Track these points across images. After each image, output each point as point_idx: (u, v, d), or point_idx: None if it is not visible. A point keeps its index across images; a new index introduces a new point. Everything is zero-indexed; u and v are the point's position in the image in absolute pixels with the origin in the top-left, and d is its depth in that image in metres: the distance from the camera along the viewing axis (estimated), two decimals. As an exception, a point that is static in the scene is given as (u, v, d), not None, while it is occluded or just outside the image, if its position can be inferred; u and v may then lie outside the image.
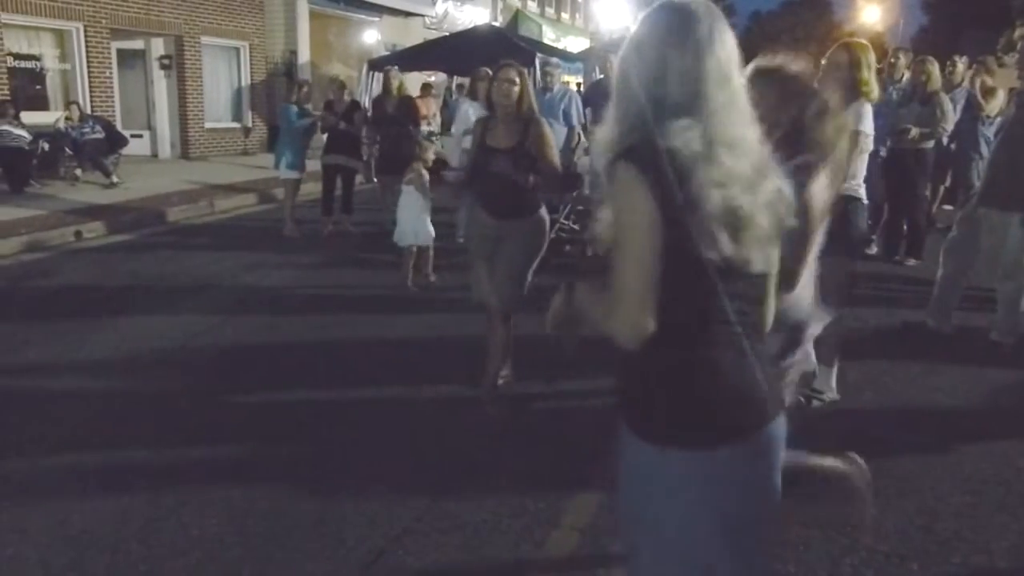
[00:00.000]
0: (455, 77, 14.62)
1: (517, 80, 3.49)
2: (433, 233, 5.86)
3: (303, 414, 3.66)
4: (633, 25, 1.38)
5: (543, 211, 3.68)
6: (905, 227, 6.87)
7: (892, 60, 7.27)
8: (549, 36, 21.10)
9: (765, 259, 1.35)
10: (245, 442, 3.37)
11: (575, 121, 7.37)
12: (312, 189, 8.83)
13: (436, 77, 15.24)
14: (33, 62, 11.08)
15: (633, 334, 1.30)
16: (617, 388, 1.46)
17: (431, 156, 5.96)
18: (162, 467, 3.11)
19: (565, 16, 28.76)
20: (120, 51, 12.28)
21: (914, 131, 6.28)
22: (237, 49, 14.23)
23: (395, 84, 7.82)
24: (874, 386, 4.07)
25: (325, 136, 7.91)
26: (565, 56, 12.45)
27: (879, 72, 7.47)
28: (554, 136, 7.34)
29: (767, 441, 1.39)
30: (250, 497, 2.88)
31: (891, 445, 3.38)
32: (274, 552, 2.57)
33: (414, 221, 5.72)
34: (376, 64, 11.38)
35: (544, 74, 7.91)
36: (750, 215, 1.29)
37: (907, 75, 6.98)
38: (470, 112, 7.55)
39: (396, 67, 8.53)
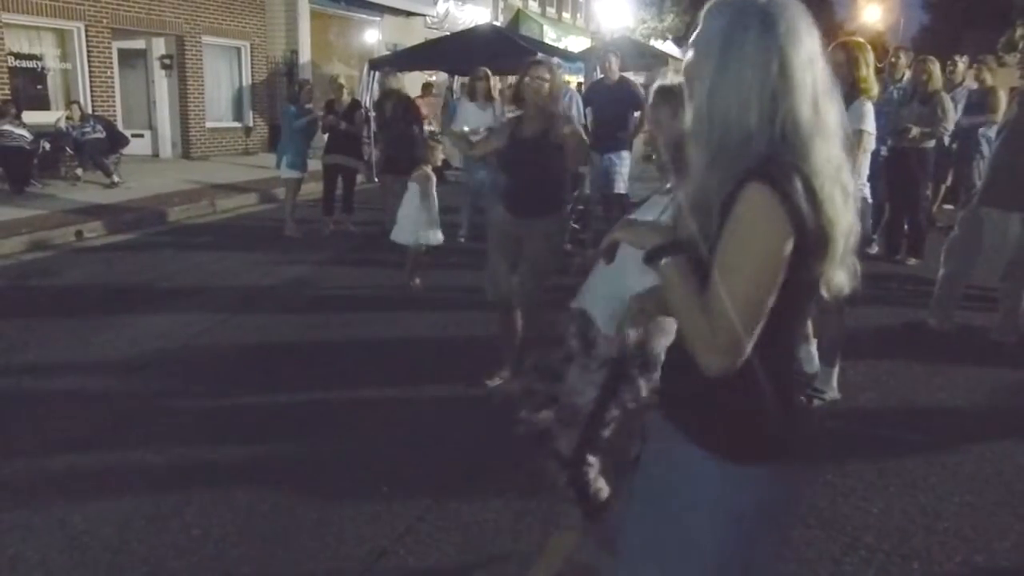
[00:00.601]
0: (456, 77, 14.63)
1: (548, 77, 3.58)
2: (440, 238, 5.83)
3: (305, 414, 3.66)
4: (712, 21, 1.24)
5: (565, 210, 3.77)
6: (906, 226, 6.87)
7: (893, 59, 7.26)
8: (550, 36, 21.10)
9: (850, 276, 1.27)
10: (247, 442, 3.36)
11: (576, 121, 7.36)
12: (313, 189, 8.83)
13: (437, 77, 15.25)
14: (34, 62, 11.08)
15: (726, 365, 1.18)
16: (671, 390, 1.39)
17: (440, 157, 5.95)
18: (163, 467, 3.11)
19: (566, 16, 28.75)
20: (121, 51, 12.28)
21: (915, 130, 6.28)
22: (238, 49, 14.23)
23: (389, 85, 7.84)
24: (875, 385, 4.07)
25: (326, 136, 7.92)
26: (566, 56, 12.44)
27: (880, 72, 7.50)
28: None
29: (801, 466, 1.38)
30: (252, 497, 2.88)
31: (893, 444, 3.38)
32: (276, 551, 2.57)
33: (416, 221, 5.68)
34: (377, 64, 11.40)
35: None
36: (853, 233, 1.24)
37: (908, 74, 6.98)
38: (469, 112, 7.57)
39: (389, 68, 8.56)
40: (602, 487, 2.27)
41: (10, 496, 2.86)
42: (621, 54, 7.45)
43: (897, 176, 6.48)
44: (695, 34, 1.28)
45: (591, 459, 2.22)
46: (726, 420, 1.29)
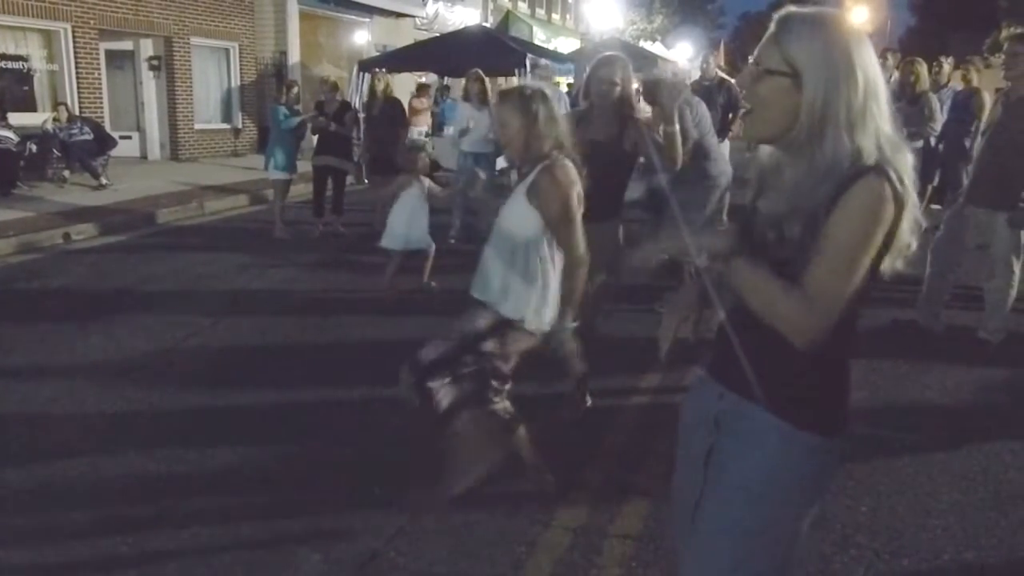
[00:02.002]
0: (445, 78, 14.64)
1: (618, 81, 3.35)
2: (420, 242, 5.83)
3: (295, 416, 3.64)
4: (805, 36, 1.31)
5: (621, 216, 3.56)
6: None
7: (880, 61, 7.30)
8: (540, 37, 21.13)
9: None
10: (237, 444, 3.34)
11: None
12: (304, 190, 8.80)
13: (426, 78, 15.24)
14: (20, 63, 10.99)
15: (815, 338, 1.30)
16: (750, 367, 1.43)
17: (425, 164, 5.89)
18: (153, 470, 3.09)
19: (556, 17, 28.80)
20: (108, 52, 12.20)
21: (902, 131, 6.32)
22: (227, 50, 14.17)
23: (380, 86, 7.85)
24: (864, 385, 4.09)
25: (316, 137, 7.90)
26: (555, 57, 12.48)
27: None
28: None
29: None
30: (242, 499, 2.87)
31: (882, 443, 3.40)
32: (266, 555, 2.56)
33: (406, 225, 5.67)
34: (366, 65, 11.38)
35: (535, 76, 7.95)
36: (918, 229, 1.38)
37: (895, 76, 7.03)
38: (466, 113, 7.58)
39: (383, 69, 8.56)
40: (443, 399, 2.63)
41: (-3, 501, 2.84)
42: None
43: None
44: (770, 48, 1.33)
45: (443, 375, 2.61)
46: (818, 396, 1.41)
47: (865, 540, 2.69)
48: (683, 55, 28.59)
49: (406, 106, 9.03)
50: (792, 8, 1.34)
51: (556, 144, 2.63)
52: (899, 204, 1.28)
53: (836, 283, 1.28)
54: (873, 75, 1.31)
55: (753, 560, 1.44)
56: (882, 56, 7.42)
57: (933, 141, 7.08)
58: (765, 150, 1.49)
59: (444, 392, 2.65)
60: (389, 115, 7.78)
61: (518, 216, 2.63)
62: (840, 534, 2.70)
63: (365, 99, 8.77)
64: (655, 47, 25.26)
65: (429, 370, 2.65)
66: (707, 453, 1.50)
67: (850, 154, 1.28)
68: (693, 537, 1.52)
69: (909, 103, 6.51)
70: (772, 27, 1.34)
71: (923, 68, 6.60)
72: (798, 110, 1.30)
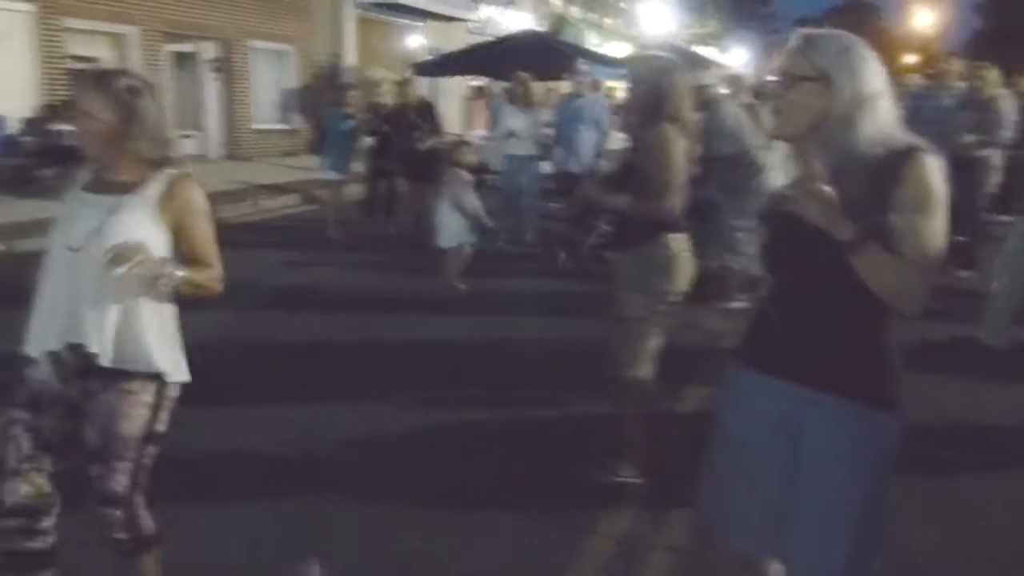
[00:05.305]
0: (497, 81, 14.69)
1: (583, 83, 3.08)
2: (470, 237, 5.85)
3: (333, 412, 3.65)
4: (826, 50, 1.54)
5: (670, 240, 2.82)
6: (959, 237, 6.64)
7: (944, 66, 7.09)
8: (592, 41, 21.06)
9: None
10: (273, 439, 3.35)
11: (606, 127, 7.65)
12: (358, 191, 8.93)
13: (477, 81, 15.32)
14: (92, 64, 11.44)
15: (926, 301, 1.48)
16: (827, 360, 1.56)
17: (470, 157, 5.94)
18: (179, 466, 3.10)
19: (608, 21, 28.66)
20: (172, 54, 12.61)
21: (970, 138, 6.09)
22: (283, 53, 14.50)
23: (410, 90, 7.99)
24: (924, 402, 3.92)
25: (370, 139, 8.02)
26: (607, 61, 12.40)
27: (932, 77, 7.28)
28: (591, 141, 7.36)
29: None
30: (278, 499, 2.87)
31: (945, 464, 3.23)
32: (303, 554, 2.57)
33: (453, 222, 5.71)
34: (420, 68, 11.50)
35: (575, 81, 8.07)
36: None
37: (960, 81, 6.81)
38: (508, 114, 7.65)
39: (410, 73, 8.71)
40: (149, 522, 2.17)
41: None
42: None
43: (951, 186, 6.27)
44: (798, 59, 1.56)
45: (138, 497, 2.15)
46: (894, 374, 1.58)
47: (935, 568, 2.56)
48: (737, 60, 28.14)
49: (459, 109, 9.14)
50: (808, 29, 1.60)
51: (165, 151, 2.15)
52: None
53: (937, 248, 1.49)
54: (882, 77, 1.55)
55: (869, 531, 1.56)
56: (945, 61, 7.16)
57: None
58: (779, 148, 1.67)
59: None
60: (413, 118, 7.91)
61: (142, 236, 2.00)
62: (908, 562, 2.50)
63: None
64: (709, 51, 24.91)
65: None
66: (790, 453, 1.58)
67: (881, 133, 1.51)
68: (805, 535, 1.58)
69: (975, 110, 6.26)
70: (797, 42, 1.57)
71: (992, 73, 6.35)
72: (826, 109, 1.52)
